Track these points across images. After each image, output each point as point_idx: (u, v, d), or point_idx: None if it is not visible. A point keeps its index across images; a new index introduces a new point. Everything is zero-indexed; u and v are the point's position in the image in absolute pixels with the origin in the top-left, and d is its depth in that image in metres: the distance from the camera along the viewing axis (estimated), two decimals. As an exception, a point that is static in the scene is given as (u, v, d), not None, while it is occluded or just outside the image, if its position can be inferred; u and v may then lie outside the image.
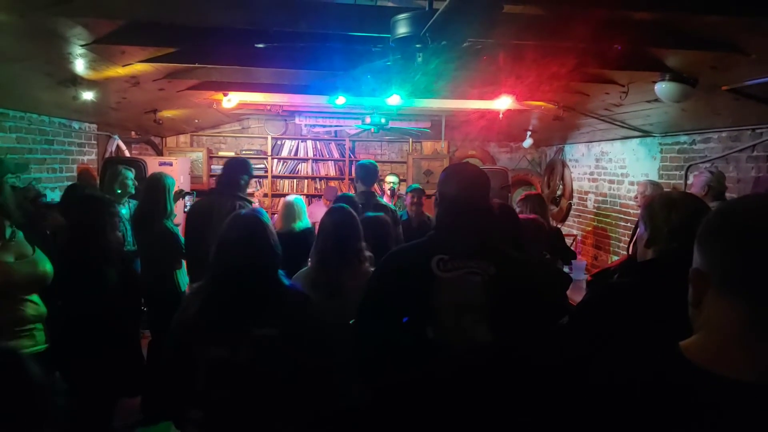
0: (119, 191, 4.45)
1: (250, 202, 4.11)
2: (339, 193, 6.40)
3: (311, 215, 5.74)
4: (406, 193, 5.50)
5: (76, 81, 3.96)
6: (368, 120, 6.31)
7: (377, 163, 4.63)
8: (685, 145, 5.37)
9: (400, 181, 7.90)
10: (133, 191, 4.56)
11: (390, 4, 3.61)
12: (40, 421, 0.79)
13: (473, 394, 1.84)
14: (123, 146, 6.56)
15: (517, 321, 1.85)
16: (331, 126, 8.31)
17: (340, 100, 5.21)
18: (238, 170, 4.11)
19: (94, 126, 5.95)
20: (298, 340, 2.00)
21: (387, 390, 1.93)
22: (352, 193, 6.25)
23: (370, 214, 3.29)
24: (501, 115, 5.91)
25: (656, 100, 4.15)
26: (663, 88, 3.76)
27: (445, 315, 1.86)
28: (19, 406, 0.76)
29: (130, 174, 4.56)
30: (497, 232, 2.12)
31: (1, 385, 0.74)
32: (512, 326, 1.84)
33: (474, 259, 1.90)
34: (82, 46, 3.22)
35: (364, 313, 2.06)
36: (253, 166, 4.37)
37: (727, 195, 4.27)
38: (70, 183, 5.30)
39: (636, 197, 5.32)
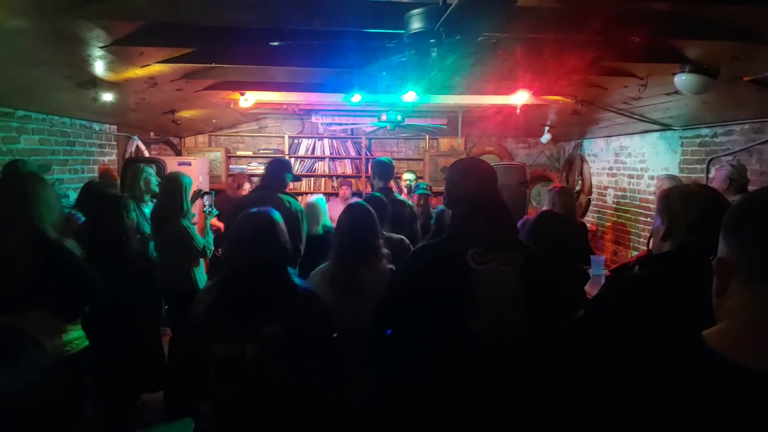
0: (143, 189, 4.48)
1: (295, 198, 4.17)
2: (356, 190, 6.41)
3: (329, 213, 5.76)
4: (414, 194, 5.49)
5: (96, 83, 4.01)
6: (384, 117, 6.30)
7: (393, 161, 4.63)
8: (707, 138, 5.29)
9: (417, 177, 7.90)
10: (156, 189, 4.61)
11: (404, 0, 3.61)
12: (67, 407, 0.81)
13: (512, 384, 1.86)
14: (142, 147, 6.63)
15: (545, 311, 1.89)
16: (347, 124, 8.32)
17: (356, 97, 5.21)
18: (281, 168, 4.22)
19: (114, 127, 6.03)
20: (305, 339, 2.00)
21: (422, 383, 1.94)
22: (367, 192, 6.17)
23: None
24: (518, 111, 5.87)
25: (676, 92, 4.09)
26: (683, 80, 3.70)
27: (484, 306, 1.89)
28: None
29: (152, 171, 4.61)
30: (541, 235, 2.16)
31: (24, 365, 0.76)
32: (542, 316, 1.88)
33: (503, 250, 1.94)
34: (101, 48, 3.27)
35: (391, 308, 2.07)
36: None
37: (750, 188, 4.20)
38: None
39: (655, 192, 5.26)
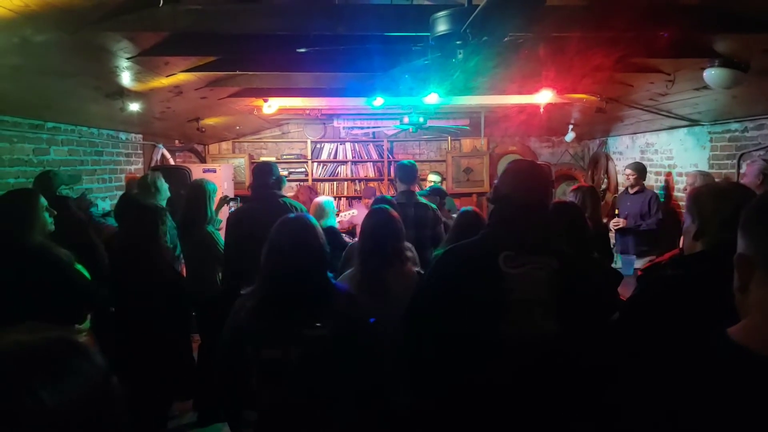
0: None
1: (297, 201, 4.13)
2: (377, 195, 6.38)
3: (355, 218, 5.80)
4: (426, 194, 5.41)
5: (123, 93, 4.07)
6: (406, 120, 6.29)
7: (416, 163, 4.61)
8: (737, 133, 5.18)
9: (442, 179, 7.87)
10: (159, 201, 4.60)
11: (427, 2, 3.60)
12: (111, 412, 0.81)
13: (544, 388, 1.84)
14: (168, 155, 6.71)
15: (579, 315, 1.87)
16: (369, 127, 8.33)
17: (378, 101, 5.21)
18: (268, 173, 3.97)
19: (139, 136, 6.12)
20: (347, 340, 2.02)
21: (456, 387, 1.93)
22: (390, 195, 6.16)
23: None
24: (542, 109, 5.82)
25: (705, 87, 4.02)
26: (712, 74, 3.63)
27: (516, 310, 1.88)
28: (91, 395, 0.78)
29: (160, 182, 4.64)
30: (556, 229, 2.12)
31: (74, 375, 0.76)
32: (575, 321, 1.86)
33: (537, 254, 1.92)
34: (128, 59, 3.31)
35: (421, 311, 2.06)
36: (279, 167, 4.20)
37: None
38: (119, 192, 5.47)
39: (686, 189, 5.17)
